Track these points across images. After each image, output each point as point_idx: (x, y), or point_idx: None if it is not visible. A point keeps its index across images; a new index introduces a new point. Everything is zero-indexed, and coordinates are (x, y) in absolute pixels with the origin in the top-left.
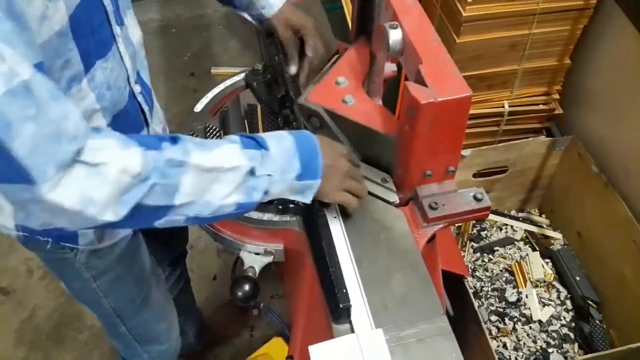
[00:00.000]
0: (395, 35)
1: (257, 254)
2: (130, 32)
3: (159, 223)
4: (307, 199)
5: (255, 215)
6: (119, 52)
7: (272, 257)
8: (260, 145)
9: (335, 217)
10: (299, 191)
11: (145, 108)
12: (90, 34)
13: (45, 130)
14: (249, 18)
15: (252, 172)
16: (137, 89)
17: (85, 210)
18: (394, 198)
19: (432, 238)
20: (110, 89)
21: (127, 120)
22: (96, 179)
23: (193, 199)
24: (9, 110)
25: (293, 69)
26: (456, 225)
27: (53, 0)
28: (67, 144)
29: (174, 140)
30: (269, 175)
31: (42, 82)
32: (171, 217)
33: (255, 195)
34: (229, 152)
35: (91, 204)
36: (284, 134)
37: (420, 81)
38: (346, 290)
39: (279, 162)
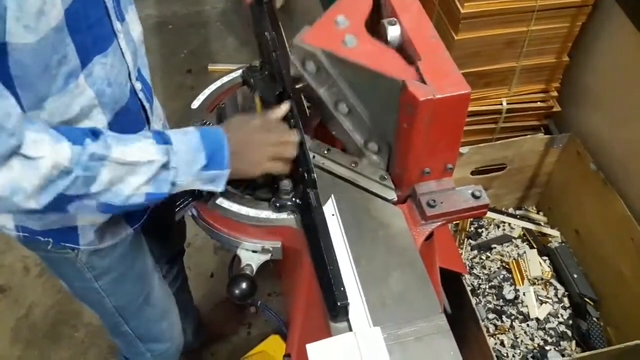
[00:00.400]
0: (393, 32)
1: (254, 251)
2: (131, 27)
3: (71, 207)
4: (219, 188)
5: (252, 212)
6: (120, 48)
7: (270, 254)
8: (166, 141)
9: (333, 215)
10: (209, 181)
11: (147, 105)
12: (86, 29)
13: None
14: None
15: (164, 166)
16: (138, 85)
17: (12, 198)
18: (392, 195)
19: (430, 236)
20: (111, 85)
21: (129, 118)
22: (29, 171)
23: (108, 187)
24: None
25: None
26: (454, 222)
27: None
28: (7, 138)
29: (95, 135)
30: (175, 167)
31: None
32: (84, 202)
33: (163, 186)
34: (145, 147)
35: (19, 192)
36: (190, 129)
37: (419, 78)
38: (344, 288)
39: (183, 156)
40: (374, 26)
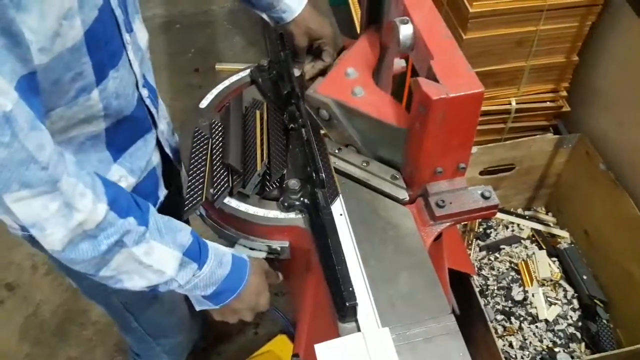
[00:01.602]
0: (405, 31)
1: (261, 251)
2: (139, 36)
3: (75, 267)
4: (197, 308)
5: (260, 212)
6: (129, 60)
7: (277, 254)
8: (200, 260)
9: (341, 215)
10: (197, 301)
11: (153, 111)
12: (104, 46)
13: (16, 157)
14: (266, 19)
15: (175, 281)
16: (144, 93)
17: (30, 229)
18: (404, 195)
19: (438, 236)
20: (118, 97)
21: (133, 125)
22: (60, 218)
23: (113, 274)
24: None
25: (298, 72)
26: (462, 223)
27: (68, 18)
28: (37, 170)
29: (141, 215)
30: (181, 286)
31: (23, 113)
32: (81, 270)
33: (162, 289)
34: (167, 258)
35: (39, 230)
36: (227, 260)
37: (432, 77)
38: (352, 289)
39: (202, 281)
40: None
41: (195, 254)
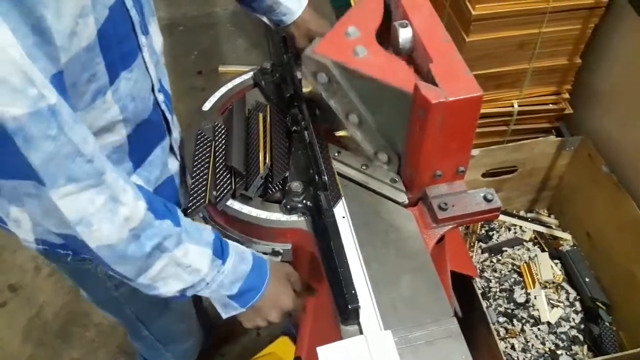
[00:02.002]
0: (405, 34)
1: (265, 253)
2: (154, 39)
3: (120, 267)
4: (224, 315)
5: (263, 214)
6: (144, 62)
7: (280, 257)
8: (223, 256)
9: (343, 217)
10: (222, 305)
11: (169, 117)
12: (116, 46)
13: (63, 150)
14: (266, 21)
15: (204, 281)
16: (160, 97)
17: (76, 227)
18: (403, 198)
19: (441, 239)
20: (134, 100)
21: (150, 129)
22: (107, 213)
23: (150, 283)
24: (32, 128)
25: (300, 75)
26: (464, 225)
27: (83, 16)
28: (83, 163)
29: (173, 217)
30: (209, 285)
31: (64, 107)
32: (123, 272)
33: (189, 293)
34: (201, 257)
35: (85, 226)
36: (248, 255)
37: (431, 80)
38: (355, 291)
39: (224, 279)
40: (385, 34)
41: (219, 251)
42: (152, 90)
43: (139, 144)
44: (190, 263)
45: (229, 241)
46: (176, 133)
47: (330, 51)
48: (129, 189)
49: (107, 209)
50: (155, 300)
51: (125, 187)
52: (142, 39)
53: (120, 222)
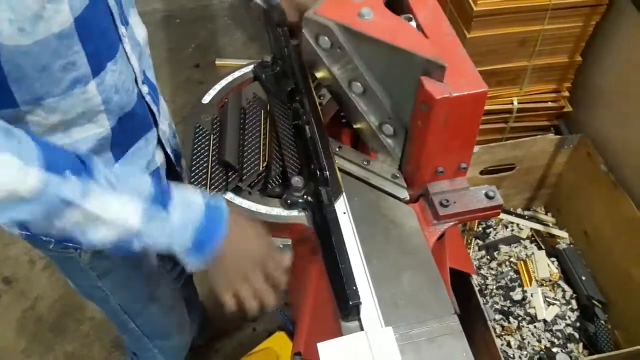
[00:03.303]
0: None
1: None
2: (136, 31)
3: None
4: (190, 269)
5: (263, 209)
6: (126, 53)
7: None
8: (164, 204)
9: (344, 213)
10: (187, 260)
11: (154, 108)
12: (99, 37)
13: None
14: (259, 1)
15: (137, 233)
16: (144, 89)
17: None
18: (404, 194)
19: (441, 235)
20: (119, 92)
21: (133, 122)
22: None
23: (73, 228)
24: None
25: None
26: (465, 222)
27: (53, 2)
28: None
29: (85, 170)
30: (149, 236)
31: None
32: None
33: (136, 246)
34: (129, 209)
35: None
36: (197, 199)
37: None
38: (356, 288)
39: (172, 227)
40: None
41: (158, 199)
42: (136, 81)
43: (122, 135)
44: (112, 217)
45: (174, 185)
46: (164, 125)
47: (333, 13)
48: (13, 160)
49: None
50: (140, 292)
51: (4, 158)
52: (122, 30)
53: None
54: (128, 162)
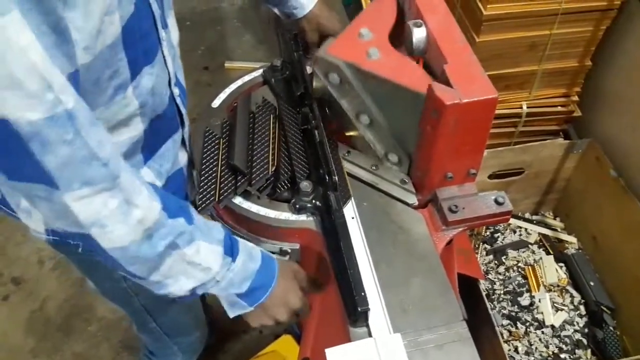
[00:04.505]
0: (419, 34)
1: (272, 252)
2: (172, 33)
3: (131, 267)
4: (231, 314)
5: (272, 214)
6: (164, 57)
7: (288, 256)
8: (233, 253)
9: (353, 218)
10: (231, 304)
11: (183, 110)
12: (139, 42)
13: (79, 154)
14: (277, 13)
15: (215, 279)
16: (176, 91)
17: (90, 228)
18: (413, 200)
19: (450, 241)
20: (154, 94)
21: (164, 123)
22: (120, 216)
23: (160, 279)
24: (48, 133)
25: (310, 69)
26: (474, 228)
27: (109, 14)
28: (98, 167)
29: (189, 219)
30: (219, 282)
31: (82, 109)
32: (134, 271)
33: (199, 291)
34: (212, 255)
35: (99, 227)
36: (256, 253)
37: (445, 81)
38: (364, 293)
39: (233, 277)
40: (399, 35)
41: (229, 248)
42: (169, 84)
43: (153, 137)
44: (201, 261)
45: (238, 238)
46: (187, 126)
47: (343, 52)
48: (143, 190)
49: (120, 212)
50: None
51: (141, 188)
52: (162, 33)
53: (133, 224)
54: (157, 163)
